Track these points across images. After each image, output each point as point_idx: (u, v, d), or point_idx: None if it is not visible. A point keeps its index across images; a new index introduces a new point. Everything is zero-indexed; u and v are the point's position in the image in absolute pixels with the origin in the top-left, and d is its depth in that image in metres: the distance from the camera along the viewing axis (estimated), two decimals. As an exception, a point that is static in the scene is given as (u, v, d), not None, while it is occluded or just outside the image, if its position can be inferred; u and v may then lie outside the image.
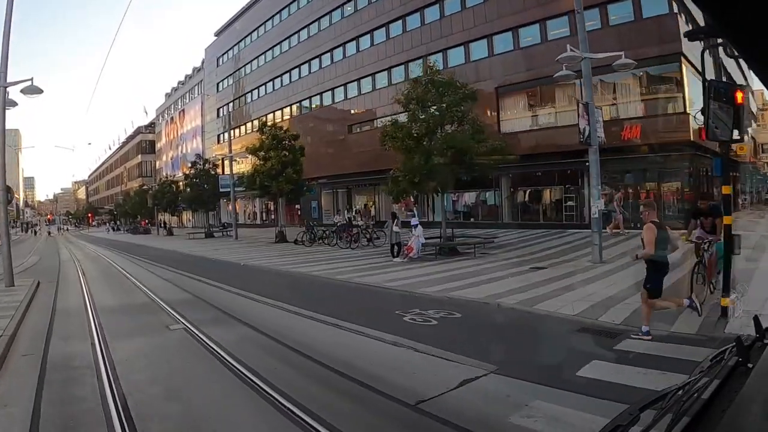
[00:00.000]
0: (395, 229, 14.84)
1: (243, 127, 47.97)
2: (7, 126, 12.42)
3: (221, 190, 31.23)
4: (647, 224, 5.65)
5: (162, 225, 51.67)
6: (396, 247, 14.87)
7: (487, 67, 26.23)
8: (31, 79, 12.57)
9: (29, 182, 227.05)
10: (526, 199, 25.80)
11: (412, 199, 31.75)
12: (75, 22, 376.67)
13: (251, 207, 47.57)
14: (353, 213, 28.46)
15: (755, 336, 1.48)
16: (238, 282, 11.95)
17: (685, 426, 1.05)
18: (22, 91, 12.73)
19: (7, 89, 12.32)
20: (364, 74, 32.95)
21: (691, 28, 18.34)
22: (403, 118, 16.81)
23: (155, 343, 6.66)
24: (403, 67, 30.46)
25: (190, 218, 63.28)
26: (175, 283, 12.77)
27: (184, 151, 63.14)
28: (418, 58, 29.63)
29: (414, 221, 14.89)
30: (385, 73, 31.67)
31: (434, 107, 15.73)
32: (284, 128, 25.15)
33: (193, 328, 7.24)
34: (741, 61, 14.85)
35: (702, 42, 12.75)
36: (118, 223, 74.69)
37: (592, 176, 12.84)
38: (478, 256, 14.23)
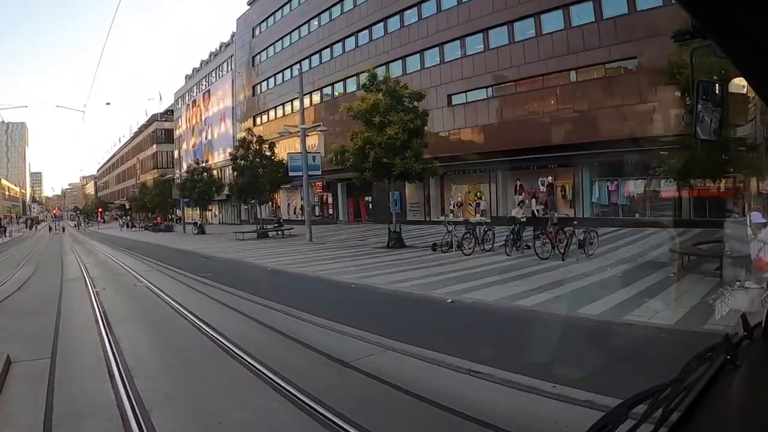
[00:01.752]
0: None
1: (282, 107, 40.50)
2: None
3: (291, 173, 22.95)
4: None
5: (189, 221, 43.95)
6: None
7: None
8: None
9: (36, 177, 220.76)
10: (722, 188, 18.55)
11: (543, 189, 23.87)
12: (74, 19, 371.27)
13: (298, 199, 39.62)
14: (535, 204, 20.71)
15: (743, 334, 1.44)
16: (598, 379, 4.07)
17: (674, 424, 1.02)
18: None
19: None
20: (473, 30, 25.13)
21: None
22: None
23: None
24: (532, 19, 22.71)
25: (216, 214, 55.65)
26: (418, 389, 4.36)
27: (209, 137, 55.55)
28: (547, 11, 22.19)
29: (759, 217, 7.45)
30: (504, 27, 23.88)
31: None
32: (403, 84, 17.10)
33: None
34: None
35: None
36: (131, 218, 66.93)
37: None
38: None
